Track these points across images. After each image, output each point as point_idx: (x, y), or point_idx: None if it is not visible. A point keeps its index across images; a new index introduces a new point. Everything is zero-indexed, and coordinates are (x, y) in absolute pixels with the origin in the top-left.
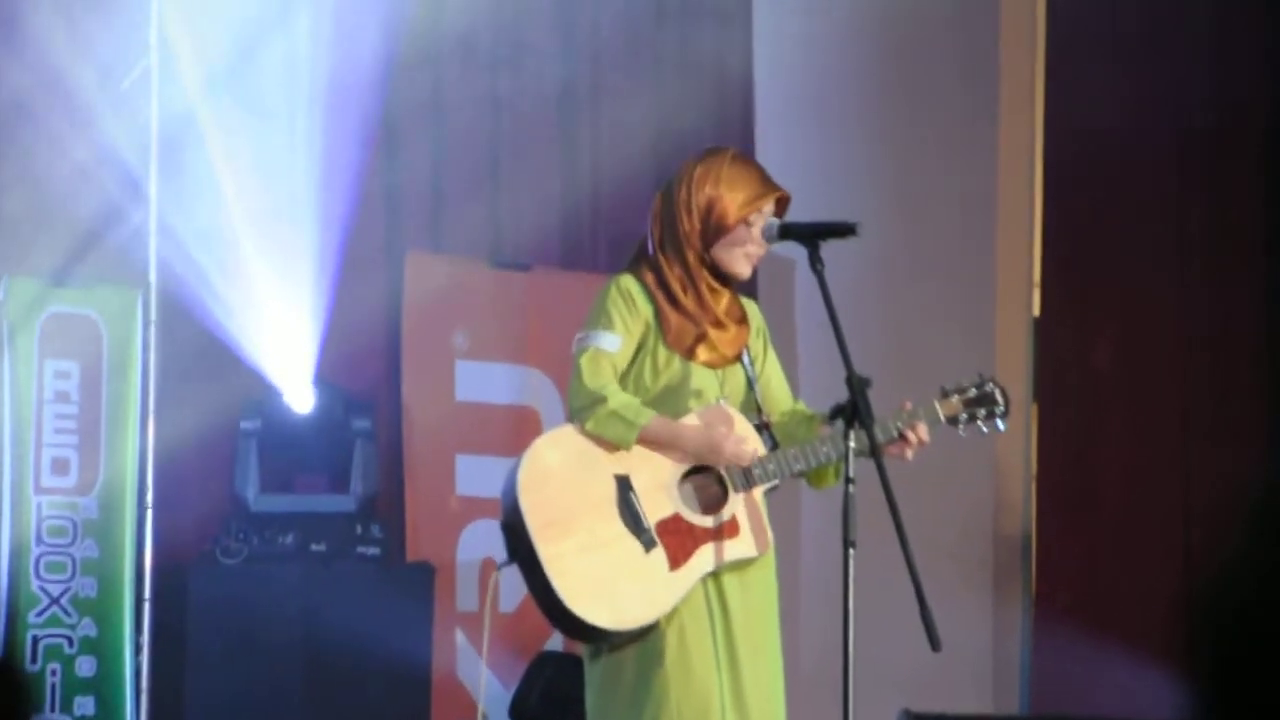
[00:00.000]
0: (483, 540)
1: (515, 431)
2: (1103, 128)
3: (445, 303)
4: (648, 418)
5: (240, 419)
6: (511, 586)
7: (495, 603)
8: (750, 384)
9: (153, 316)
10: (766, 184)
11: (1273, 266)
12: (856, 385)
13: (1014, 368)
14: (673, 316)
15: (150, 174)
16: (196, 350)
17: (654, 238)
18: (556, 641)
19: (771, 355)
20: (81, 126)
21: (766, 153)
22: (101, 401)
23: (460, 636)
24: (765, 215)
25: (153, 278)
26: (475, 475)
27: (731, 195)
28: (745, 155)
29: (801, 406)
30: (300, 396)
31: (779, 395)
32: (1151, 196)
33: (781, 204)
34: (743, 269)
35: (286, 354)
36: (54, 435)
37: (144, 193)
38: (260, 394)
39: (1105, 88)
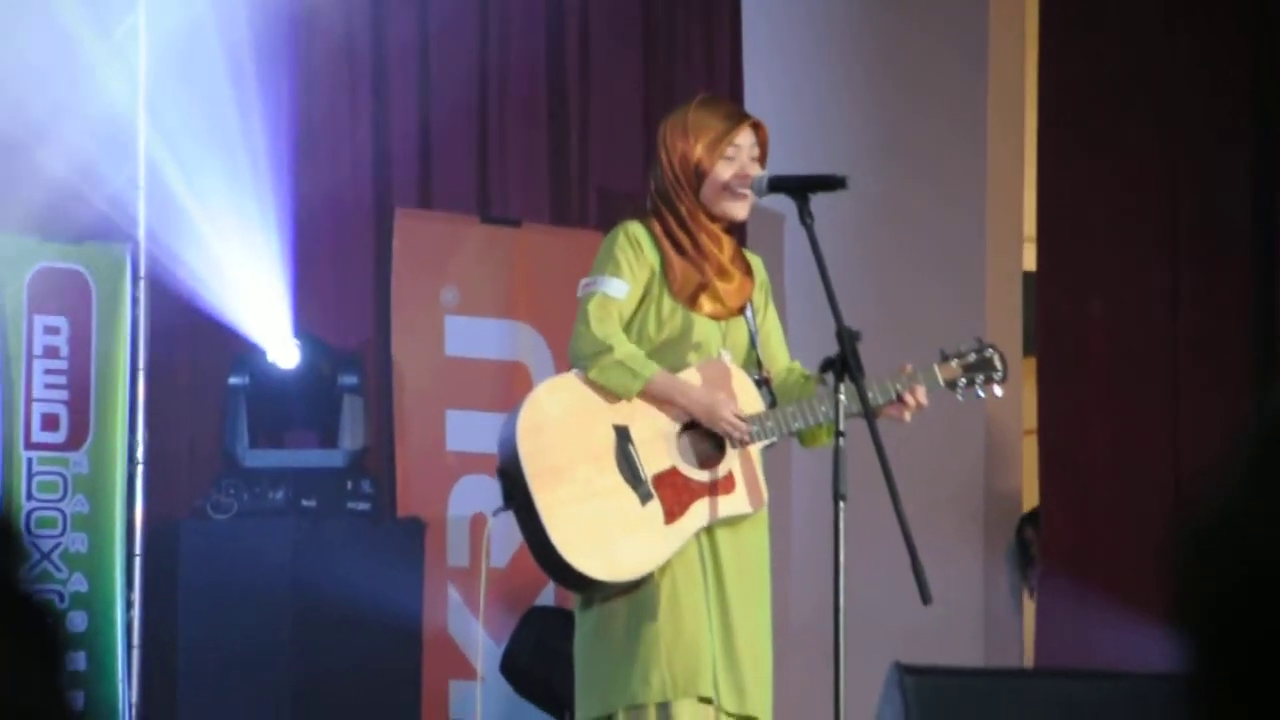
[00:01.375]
0: (473, 495)
1: (505, 387)
2: (1095, 81)
3: (434, 258)
4: (652, 370)
5: (229, 375)
6: (503, 540)
7: (487, 555)
8: (752, 338)
9: (142, 272)
10: (730, 117)
11: (1260, 222)
12: (846, 338)
13: (1006, 322)
14: (677, 264)
15: (139, 128)
16: (185, 306)
17: (651, 196)
18: (548, 596)
19: (772, 311)
20: (69, 80)
21: (755, 105)
22: (91, 357)
23: (452, 591)
24: (743, 148)
25: (141, 233)
26: (465, 430)
27: (701, 141)
28: (712, 97)
29: (798, 366)
30: (284, 352)
31: (776, 352)
32: (1143, 151)
33: (760, 133)
34: (735, 210)
35: (275, 310)
36: (44, 391)
37: (132, 147)
38: (249, 350)
39: (1098, 44)
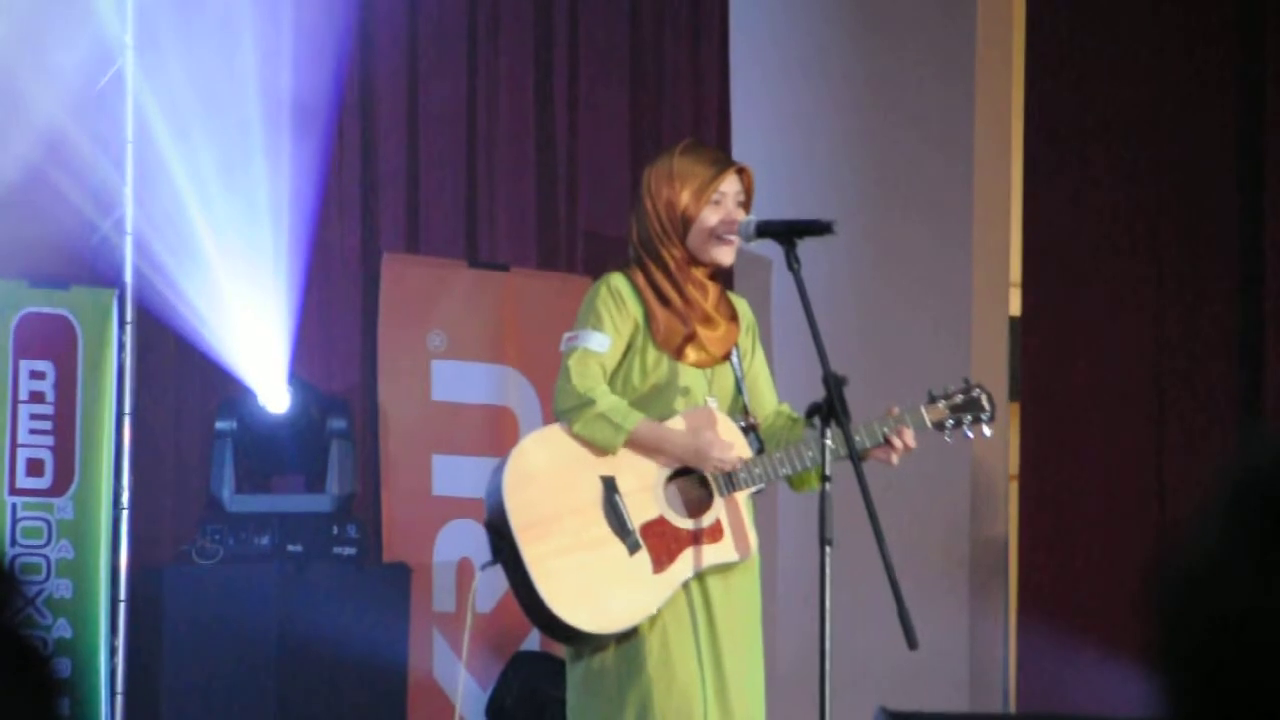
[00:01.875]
0: (459, 541)
1: (492, 432)
2: (1082, 128)
3: (422, 303)
4: (635, 421)
5: (215, 419)
6: (488, 586)
7: (473, 603)
8: (738, 383)
9: (128, 317)
10: (717, 163)
11: (1245, 268)
12: (833, 383)
13: (992, 368)
14: (661, 316)
15: (126, 175)
16: (172, 351)
17: (634, 245)
18: (533, 642)
19: (759, 354)
20: (56, 127)
21: (743, 152)
22: (77, 402)
23: (437, 637)
24: (729, 193)
25: (128, 278)
26: (452, 475)
27: (686, 188)
28: (696, 143)
29: (786, 409)
30: (275, 397)
31: (764, 396)
32: (1128, 197)
33: (745, 178)
34: (722, 256)
35: (262, 355)
36: (29, 436)
37: (119, 194)
38: (235, 395)
39: (1085, 88)
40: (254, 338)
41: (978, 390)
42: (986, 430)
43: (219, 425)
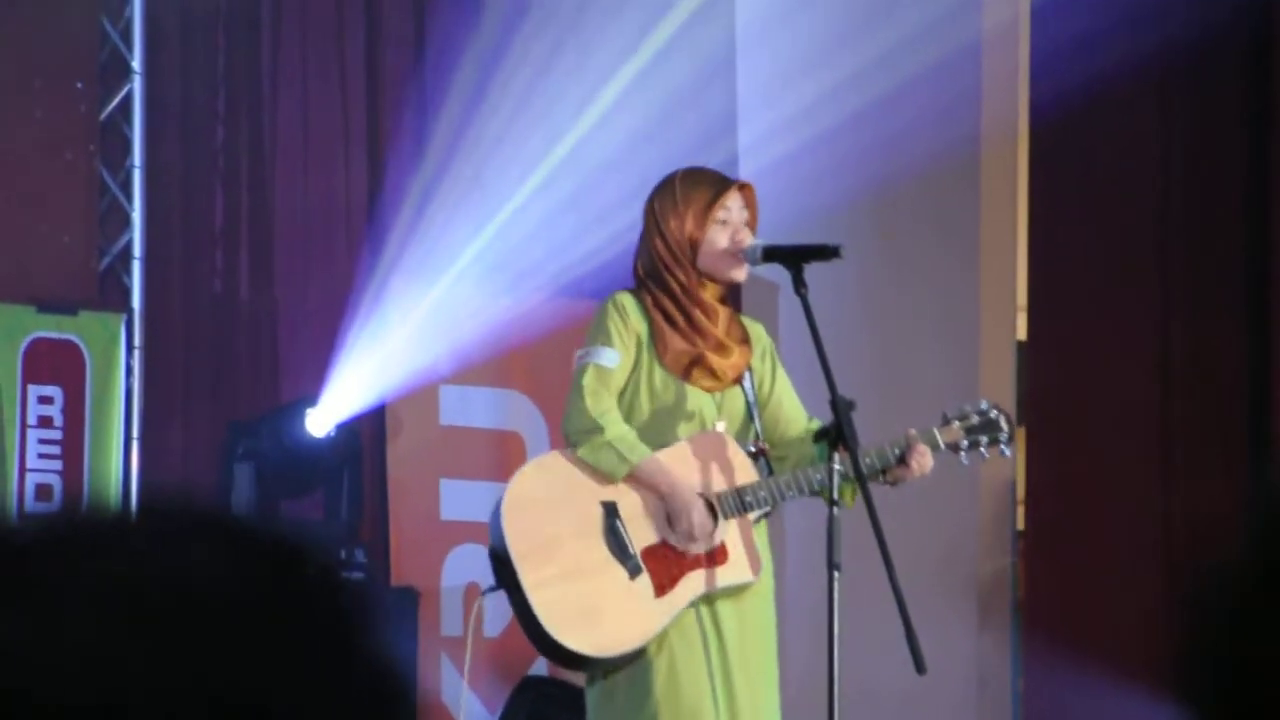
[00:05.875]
0: (467, 565)
1: (500, 456)
2: (1087, 151)
3: (430, 327)
4: (641, 456)
5: (224, 444)
6: (496, 611)
7: (480, 627)
8: (749, 407)
9: (136, 342)
10: (718, 183)
11: (1252, 293)
12: (841, 408)
13: (999, 392)
14: (670, 336)
15: (135, 197)
16: (180, 375)
17: (640, 273)
18: (541, 666)
19: (781, 375)
20: (65, 152)
21: (751, 175)
22: (85, 427)
23: (445, 661)
24: (733, 210)
25: (136, 303)
26: (459, 500)
27: (690, 211)
28: (695, 167)
29: (816, 426)
30: (285, 421)
31: (792, 415)
32: (1136, 222)
33: (747, 193)
34: (735, 274)
35: (270, 379)
36: (37, 461)
37: (128, 217)
38: (245, 419)
39: (1091, 109)
40: (265, 362)
41: (995, 411)
42: (1006, 450)
43: (228, 450)
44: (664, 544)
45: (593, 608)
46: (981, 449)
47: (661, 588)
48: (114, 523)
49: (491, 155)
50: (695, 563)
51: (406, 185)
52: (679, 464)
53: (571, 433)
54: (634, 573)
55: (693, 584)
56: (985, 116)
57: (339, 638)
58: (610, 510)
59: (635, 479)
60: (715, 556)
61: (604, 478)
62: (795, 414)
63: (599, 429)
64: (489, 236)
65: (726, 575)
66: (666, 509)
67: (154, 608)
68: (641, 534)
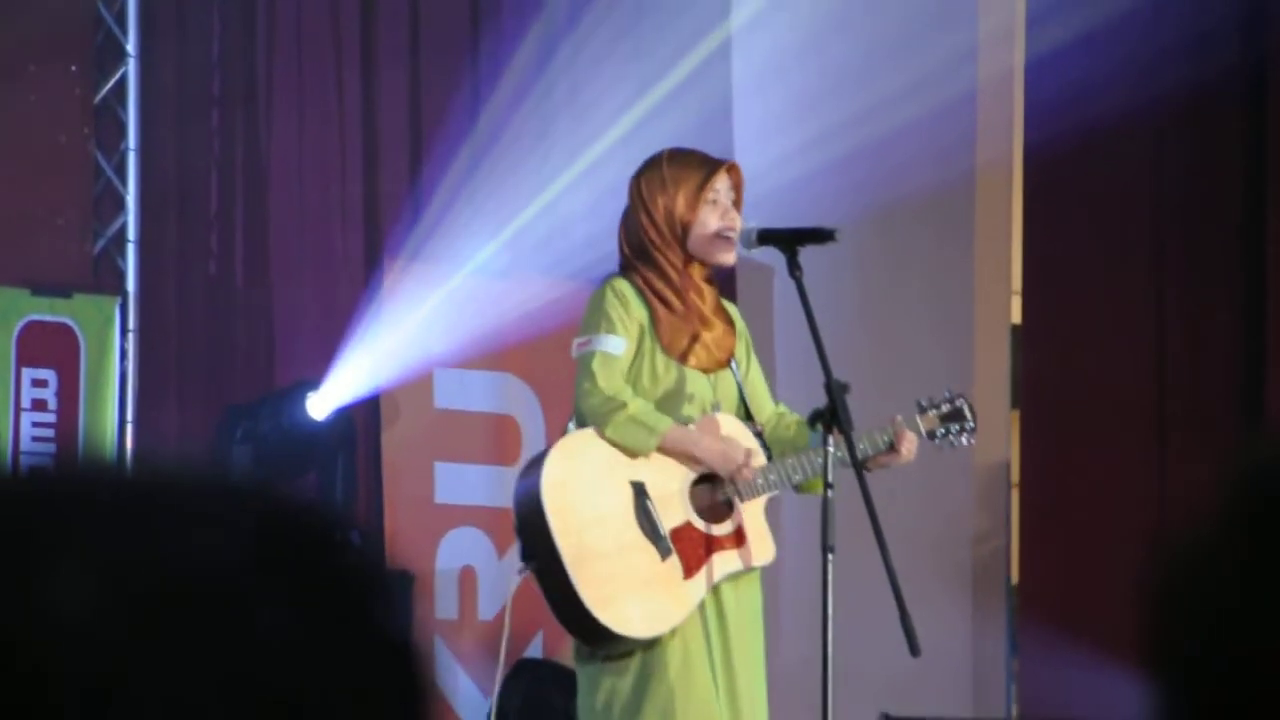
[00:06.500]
0: (462, 548)
1: (494, 439)
2: (1082, 133)
3: (424, 310)
4: (666, 424)
5: (220, 427)
6: (490, 592)
7: (472, 608)
8: (740, 390)
9: (130, 325)
10: (707, 164)
11: (1248, 274)
12: (835, 391)
13: (994, 375)
14: (666, 320)
15: (129, 180)
16: (174, 358)
17: (626, 254)
18: (536, 649)
19: (754, 360)
20: (60, 135)
21: (743, 159)
22: (79, 410)
23: (440, 644)
24: (722, 191)
25: (131, 286)
26: (454, 483)
27: (681, 192)
28: (681, 148)
29: (784, 410)
30: (284, 405)
31: (761, 400)
32: (1130, 206)
33: (735, 175)
34: (725, 256)
35: (264, 362)
36: (31, 444)
37: (122, 200)
38: (241, 402)
39: (1086, 91)
40: (259, 345)
41: (960, 401)
42: (966, 441)
43: (221, 433)
44: (689, 525)
45: (630, 587)
46: (952, 438)
47: (689, 569)
48: (113, 484)
49: (492, 134)
50: (718, 545)
51: (403, 167)
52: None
53: (592, 415)
54: (665, 554)
55: (717, 566)
56: (981, 98)
57: (357, 612)
58: (640, 490)
59: (663, 449)
60: (735, 539)
61: (631, 455)
62: (764, 398)
63: (620, 404)
64: (492, 220)
65: (745, 558)
66: (710, 466)
67: (156, 582)
68: (670, 515)
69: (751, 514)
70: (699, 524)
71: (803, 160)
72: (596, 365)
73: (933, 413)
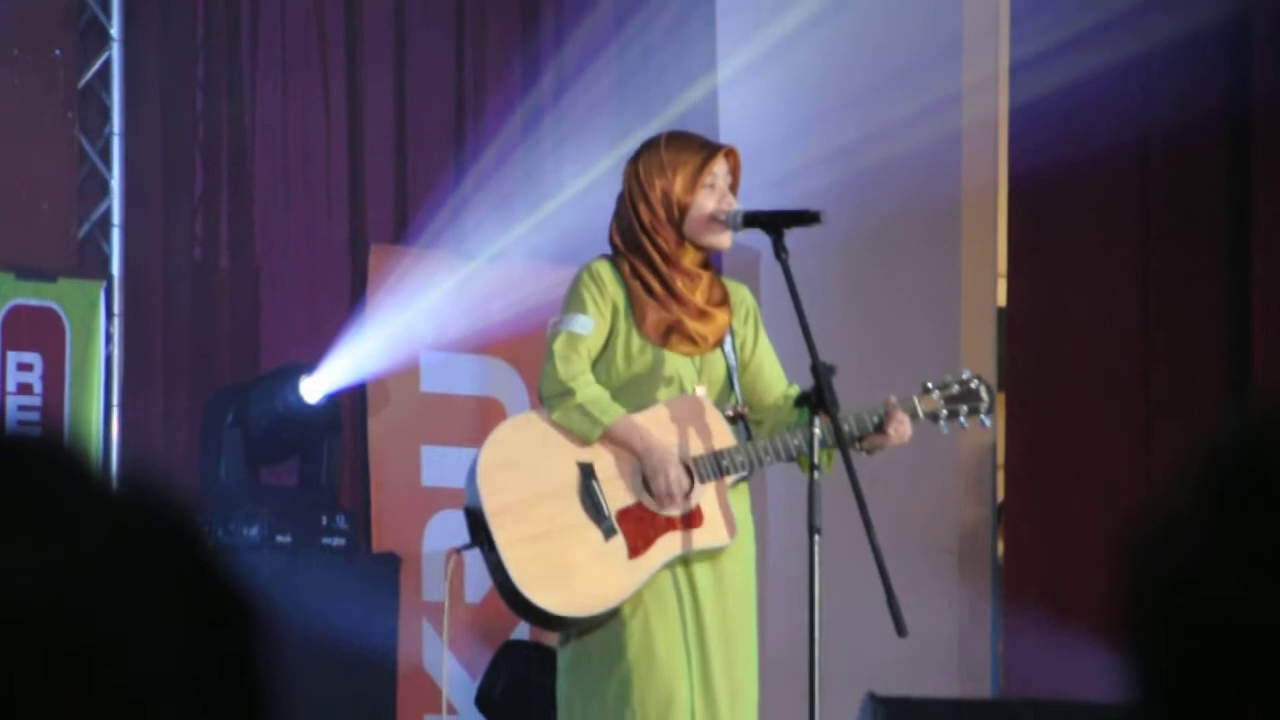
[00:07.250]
0: (448, 531)
1: (480, 422)
2: (1068, 118)
3: (409, 294)
4: (613, 417)
5: (207, 411)
6: (477, 575)
7: (460, 590)
8: (730, 371)
9: (116, 309)
10: (705, 147)
11: (1234, 255)
12: (821, 373)
13: (980, 357)
14: (647, 304)
15: (114, 164)
16: (160, 343)
17: (617, 239)
18: (523, 631)
19: (763, 338)
20: (44, 119)
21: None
22: (65, 395)
23: (426, 627)
24: (720, 175)
25: (116, 270)
26: (440, 466)
27: (679, 175)
28: (678, 131)
29: (794, 392)
30: (274, 388)
31: (770, 380)
32: (1116, 189)
33: (732, 159)
34: (721, 240)
35: (250, 347)
36: (17, 428)
37: (107, 184)
38: (224, 386)
39: (1070, 77)
40: (244, 330)
41: (976, 381)
42: (986, 421)
43: (207, 417)
44: (639, 506)
45: (566, 567)
46: (961, 419)
47: (635, 549)
48: None
49: (478, 116)
50: (670, 525)
51: (388, 151)
52: (655, 427)
53: (545, 397)
54: (609, 534)
55: (667, 546)
56: (967, 72)
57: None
58: (587, 471)
59: (610, 439)
60: (691, 519)
61: (580, 439)
62: (774, 379)
63: (570, 392)
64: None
65: (701, 538)
66: (642, 469)
67: None
68: (617, 495)
69: (714, 495)
70: (650, 504)
71: (792, 146)
72: (559, 346)
73: (937, 394)
